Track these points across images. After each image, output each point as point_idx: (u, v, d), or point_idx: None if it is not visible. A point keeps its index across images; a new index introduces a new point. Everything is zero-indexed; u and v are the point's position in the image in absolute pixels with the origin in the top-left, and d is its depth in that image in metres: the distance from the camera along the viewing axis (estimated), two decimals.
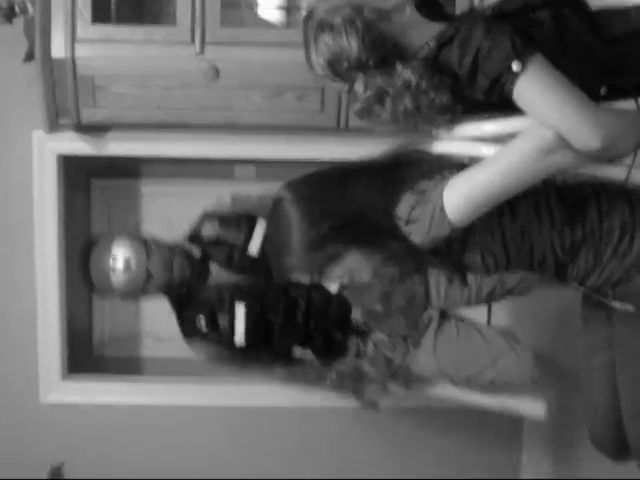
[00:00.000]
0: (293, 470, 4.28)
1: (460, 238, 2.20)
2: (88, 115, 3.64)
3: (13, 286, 4.21)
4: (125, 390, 4.35)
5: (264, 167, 4.31)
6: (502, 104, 2.08)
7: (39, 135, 3.93)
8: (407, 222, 2.17)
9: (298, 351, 3.07)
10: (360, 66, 2.14)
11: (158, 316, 4.54)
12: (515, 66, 2.00)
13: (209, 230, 3.12)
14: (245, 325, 2.93)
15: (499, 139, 2.14)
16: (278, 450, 4.35)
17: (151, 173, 4.59)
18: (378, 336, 2.98)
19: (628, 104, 2.09)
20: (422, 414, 4.21)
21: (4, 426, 4.32)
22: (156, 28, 3.60)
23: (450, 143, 2.25)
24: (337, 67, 2.16)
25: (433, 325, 2.99)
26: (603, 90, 2.13)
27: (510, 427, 4.29)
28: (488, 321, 4.11)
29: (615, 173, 2.15)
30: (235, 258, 3.05)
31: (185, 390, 4.34)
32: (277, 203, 2.28)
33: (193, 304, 3.03)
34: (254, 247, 3.04)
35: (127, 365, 4.65)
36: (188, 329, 3.04)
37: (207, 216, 3.16)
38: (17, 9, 3.51)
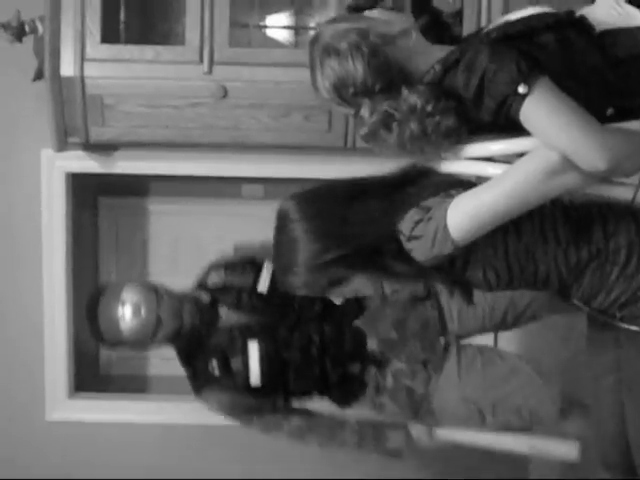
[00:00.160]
0: None
1: (463, 256, 2.21)
2: (97, 134, 3.66)
3: (20, 304, 4.21)
4: (131, 408, 4.34)
5: (272, 186, 4.32)
6: (509, 126, 2.09)
7: (48, 153, 3.95)
8: (409, 239, 2.17)
9: (313, 401, 3.05)
10: (366, 91, 2.14)
11: None
12: (521, 89, 2.01)
13: (215, 278, 3.11)
14: (260, 363, 2.88)
15: (505, 159, 2.14)
16: (286, 469, 4.34)
17: (159, 191, 4.60)
18: (396, 365, 2.95)
19: (635, 125, 2.09)
20: None
21: (11, 443, 4.31)
22: (165, 48, 3.62)
23: (456, 163, 2.26)
24: (343, 92, 2.17)
25: (453, 349, 2.97)
26: (610, 111, 2.14)
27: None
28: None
29: (622, 193, 2.15)
30: (244, 299, 3.02)
31: (191, 409, 4.30)
32: (282, 216, 2.27)
33: (204, 350, 2.97)
34: (263, 286, 3.03)
35: (133, 383, 4.66)
36: (200, 378, 2.97)
37: (212, 266, 3.16)
38: (27, 28, 3.53)
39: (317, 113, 3.60)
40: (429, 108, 2.10)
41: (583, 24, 2.18)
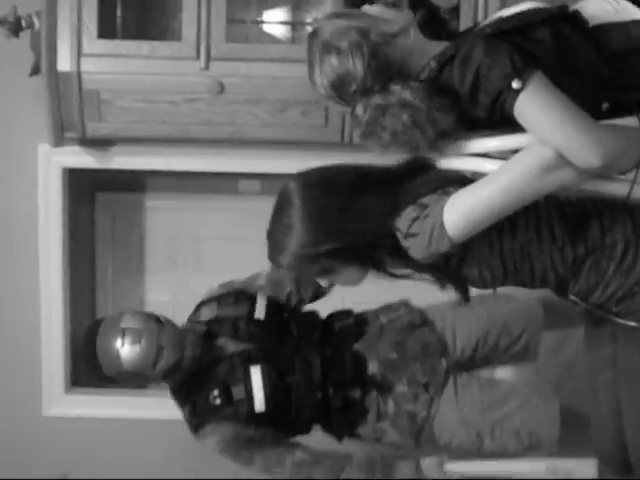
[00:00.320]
0: None
1: (458, 254, 2.21)
2: (93, 129, 3.66)
3: (17, 299, 4.21)
4: (128, 404, 4.34)
5: (268, 181, 4.32)
6: (504, 121, 2.09)
7: (44, 149, 3.95)
8: (406, 236, 2.17)
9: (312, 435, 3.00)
10: (365, 90, 2.14)
11: None
12: (515, 84, 2.01)
13: (207, 313, 3.04)
14: (263, 388, 2.83)
15: (501, 155, 2.15)
16: None
17: (155, 187, 4.60)
18: (398, 390, 2.92)
19: (630, 121, 2.10)
20: None
21: (7, 439, 4.31)
22: (162, 43, 3.61)
23: (452, 159, 2.26)
24: (341, 90, 2.17)
25: (450, 376, 2.95)
26: (605, 106, 2.14)
27: None
28: None
29: (617, 189, 2.15)
30: (241, 327, 2.96)
31: None
32: (283, 196, 2.27)
33: (203, 382, 2.90)
34: (260, 312, 2.99)
35: None
36: (200, 412, 2.89)
37: (202, 303, 3.10)
38: (24, 23, 3.53)
39: (314, 109, 3.60)
40: (423, 105, 2.10)
41: (577, 19, 2.18)
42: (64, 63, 3.53)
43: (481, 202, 2.09)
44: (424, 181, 2.24)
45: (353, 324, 3.05)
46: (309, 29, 3.87)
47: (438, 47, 2.19)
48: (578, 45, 2.14)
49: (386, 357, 2.95)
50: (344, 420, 2.95)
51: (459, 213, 2.10)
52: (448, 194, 2.14)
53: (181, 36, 3.57)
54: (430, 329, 3.05)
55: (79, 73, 3.53)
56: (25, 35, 3.59)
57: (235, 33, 3.77)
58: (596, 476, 2.92)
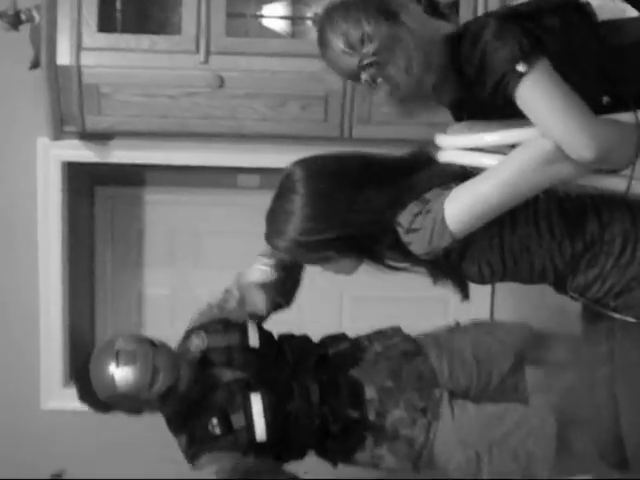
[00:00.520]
0: None
1: (458, 249, 2.21)
2: (93, 123, 3.65)
3: (16, 293, 4.22)
4: None
5: (267, 176, 4.32)
6: (506, 107, 2.09)
7: (44, 142, 3.95)
8: (408, 231, 2.17)
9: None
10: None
11: (160, 327, 4.57)
12: (520, 67, 2.01)
13: (198, 342, 2.98)
14: (264, 415, 2.78)
15: (500, 150, 2.15)
16: None
17: (155, 181, 4.60)
18: (396, 415, 2.89)
19: (626, 117, 2.10)
20: None
21: (5, 432, 4.32)
22: (161, 37, 3.61)
23: (452, 153, 2.27)
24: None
25: (445, 396, 2.94)
26: (605, 100, 2.14)
27: None
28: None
29: (615, 184, 2.15)
30: (236, 356, 2.92)
31: None
32: (286, 181, 2.27)
33: (201, 410, 2.85)
34: (254, 341, 2.96)
35: None
36: (198, 442, 2.84)
37: (191, 332, 3.04)
38: (23, 16, 3.53)
39: (313, 103, 3.60)
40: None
41: (587, 11, 2.19)
42: (64, 57, 3.53)
43: (482, 196, 2.09)
44: (428, 176, 2.25)
45: (348, 350, 3.03)
46: (309, 24, 3.88)
47: (441, 26, 2.21)
48: (585, 36, 2.15)
49: (382, 384, 2.93)
50: (342, 446, 2.92)
51: (460, 208, 2.10)
52: (450, 189, 2.15)
53: (181, 30, 3.57)
54: (424, 359, 3.03)
55: (79, 67, 3.53)
56: (25, 29, 3.59)
57: (235, 27, 3.76)
58: None
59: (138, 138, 3.91)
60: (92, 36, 3.53)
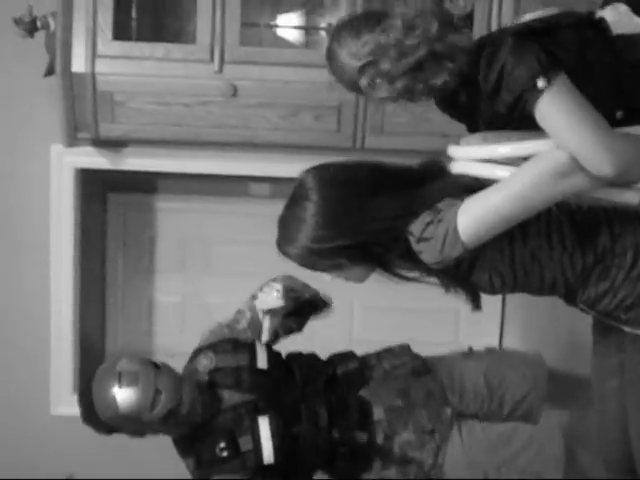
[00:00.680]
0: None
1: (469, 259, 2.21)
2: (106, 130, 3.67)
3: (28, 298, 4.23)
4: None
5: (279, 185, 4.33)
6: (522, 121, 2.10)
7: (57, 149, 3.97)
8: (419, 240, 2.17)
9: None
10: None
11: (170, 332, 4.58)
12: (540, 83, 2.02)
13: (206, 362, 2.98)
14: (272, 438, 2.78)
15: (514, 162, 2.15)
16: None
17: (167, 189, 4.61)
18: (404, 437, 2.90)
19: None
20: None
21: (15, 437, 4.33)
22: (176, 46, 3.63)
23: (465, 164, 2.27)
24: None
25: (454, 419, 2.94)
26: (619, 114, 2.15)
27: None
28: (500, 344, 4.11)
29: (629, 197, 2.15)
30: (244, 378, 2.91)
31: None
32: (300, 189, 2.28)
33: (208, 433, 2.85)
34: (262, 362, 2.96)
35: None
36: (206, 464, 2.84)
37: (199, 351, 3.05)
38: (39, 23, 3.55)
39: (326, 113, 3.61)
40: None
41: (602, 26, 2.19)
42: (79, 64, 3.55)
43: (494, 208, 2.09)
44: (440, 186, 2.25)
45: (356, 370, 3.03)
46: (323, 34, 3.90)
47: (456, 39, 2.23)
48: (600, 52, 2.15)
49: (391, 404, 2.93)
50: (349, 468, 2.92)
51: (472, 218, 2.10)
52: (462, 199, 2.15)
53: (195, 39, 3.59)
54: (432, 377, 3.04)
55: (93, 74, 3.55)
56: (40, 35, 3.61)
57: (249, 37, 3.78)
58: None
59: (151, 146, 3.92)
60: (107, 44, 3.55)
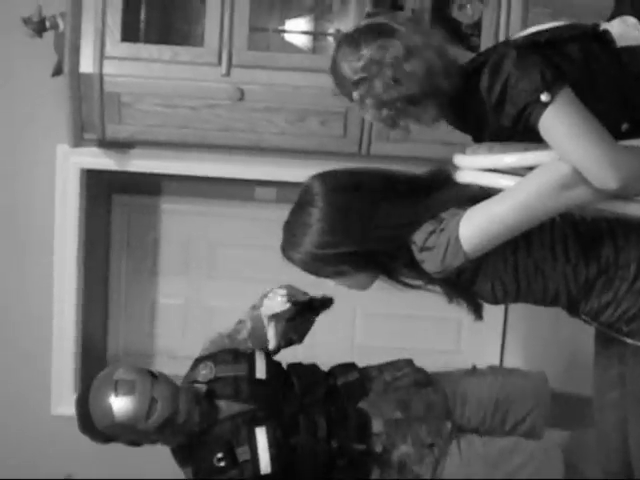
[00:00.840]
0: None
1: (471, 269, 2.21)
2: (113, 131, 3.67)
3: (30, 298, 4.23)
4: None
5: (284, 189, 4.33)
6: (526, 133, 2.10)
7: (63, 149, 3.97)
8: (422, 249, 2.18)
9: None
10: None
11: (172, 334, 4.58)
12: (544, 97, 2.02)
13: (206, 374, 2.99)
14: (269, 449, 2.79)
15: (518, 172, 2.15)
16: None
17: (172, 191, 4.61)
18: (403, 450, 2.89)
19: None
20: None
21: (16, 437, 4.33)
22: (184, 49, 3.63)
23: (471, 173, 2.27)
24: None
25: (453, 434, 2.94)
26: (624, 127, 2.15)
27: None
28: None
29: (633, 209, 2.15)
30: (243, 388, 2.93)
31: None
32: (306, 194, 2.28)
33: (206, 443, 2.86)
34: (261, 372, 2.97)
35: None
36: (203, 474, 2.86)
37: (199, 361, 3.06)
38: (48, 24, 3.56)
39: (333, 119, 3.61)
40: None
41: (606, 38, 2.19)
42: (86, 65, 3.55)
43: (497, 218, 2.09)
44: (446, 195, 2.25)
45: (357, 381, 3.03)
46: (330, 40, 3.90)
47: (459, 53, 2.22)
48: (605, 64, 2.15)
49: (390, 416, 2.93)
50: (348, 477, 2.91)
51: (474, 228, 2.10)
52: (464, 209, 2.15)
53: (203, 42, 3.59)
54: (434, 389, 3.04)
55: (101, 75, 3.56)
56: (48, 36, 3.62)
57: (257, 41, 3.78)
58: None
59: (157, 148, 3.92)
60: (115, 45, 3.55)
